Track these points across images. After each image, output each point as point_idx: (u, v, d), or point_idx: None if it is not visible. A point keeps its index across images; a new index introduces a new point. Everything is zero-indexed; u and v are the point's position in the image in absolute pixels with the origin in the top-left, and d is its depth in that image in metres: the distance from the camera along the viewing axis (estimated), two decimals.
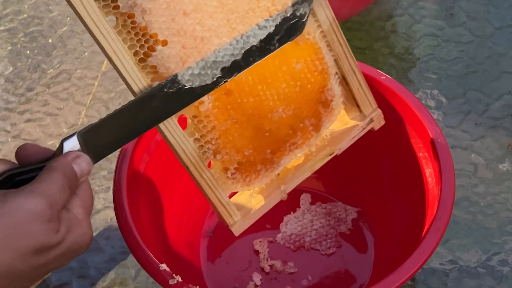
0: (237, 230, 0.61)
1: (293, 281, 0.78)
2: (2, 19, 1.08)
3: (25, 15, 1.08)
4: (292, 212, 0.82)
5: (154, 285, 0.80)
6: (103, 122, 0.53)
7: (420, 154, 0.72)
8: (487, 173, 0.87)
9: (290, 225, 0.81)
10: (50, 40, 1.05)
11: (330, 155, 0.65)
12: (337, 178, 0.82)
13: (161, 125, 0.56)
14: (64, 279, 0.81)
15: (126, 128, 0.54)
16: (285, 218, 0.82)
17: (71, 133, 0.53)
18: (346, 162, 0.78)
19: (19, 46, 1.04)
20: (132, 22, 0.54)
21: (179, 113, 0.57)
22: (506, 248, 0.80)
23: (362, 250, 0.80)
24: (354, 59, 0.64)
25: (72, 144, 0.52)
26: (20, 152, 0.52)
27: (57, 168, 0.50)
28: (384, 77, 0.75)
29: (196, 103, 0.57)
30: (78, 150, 0.52)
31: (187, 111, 0.57)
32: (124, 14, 0.53)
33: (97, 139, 0.53)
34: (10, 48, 1.04)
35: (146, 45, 0.54)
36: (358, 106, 0.66)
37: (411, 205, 0.74)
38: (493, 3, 1.04)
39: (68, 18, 1.07)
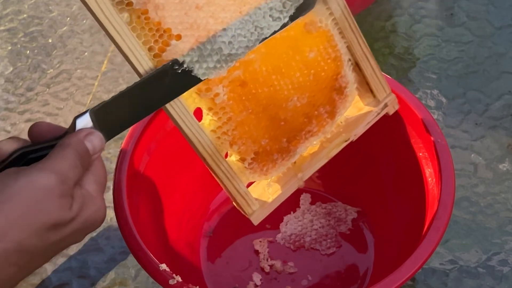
0: (256, 219, 0.62)
1: (293, 281, 0.78)
2: (2, 19, 1.08)
3: (25, 15, 1.08)
4: (292, 212, 0.82)
5: (154, 285, 0.80)
6: (115, 99, 0.53)
7: (420, 154, 0.72)
8: (487, 173, 0.87)
9: (290, 225, 0.81)
10: (50, 40, 1.05)
11: (346, 141, 0.65)
12: (337, 178, 0.82)
13: (177, 118, 0.56)
14: (64, 279, 0.81)
15: (138, 105, 0.54)
16: (285, 218, 0.82)
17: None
18: (346, 162, 0.78)
19: (19, 46, 1.04)
20: (146, 18, 0.54)
21: (195, 106, 0.57)
22: (506, 248, 0.80)
23: (362, 250, 0.80)
24: (367, 44, 0.64)
25: (85, 122, 0.52)
26: (33, 130, 0.52)
27: (69, 144, 0.50)
28: None
29: (211, 95, 0.57)
30: (91, 128, 0.52)
31: (203, 103, 0.58)
32: (138, 11, 0.54)
33: (110, 116, 0.53)
34: (10, 48, 1.04)
35: (161, 40, 0.55)
36: (372, 91, 0.66)
37: (411, 205, 0.74)
38: (493, 3, 1.05)
39: (68, 18, 1.07)
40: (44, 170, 0.48)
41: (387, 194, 0.79)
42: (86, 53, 1.03)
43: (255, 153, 0.61)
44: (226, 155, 0.60)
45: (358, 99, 0.66)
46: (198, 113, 0.58)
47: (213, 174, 0.59)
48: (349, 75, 0.64)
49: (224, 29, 0.56)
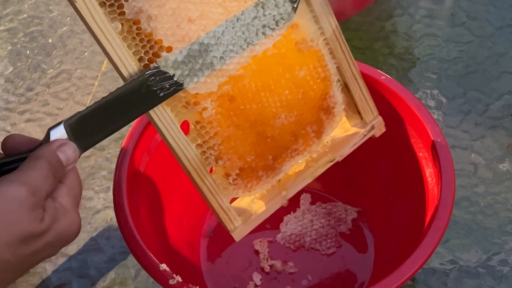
0: (238, 236, 0.62)
1: (293, 281, 0.78)
2: (2, 19, 1.08)
3: (25, 15, 1.08)
4: (292, 212, 0.82)
5: (154, 285, 0.80)
6: (90, 110, 0.52)
7: (420, 154, 0.72)
8: (487, 173, 0.87)
9: (290, 225, 0.81)
10: (50, 40, 1.05)
11: (331, 161, 0.65)
12: (337, 178, 0.82)
13: (163, 130, 0.56)
14: (64, 279, 0.81)
15: (114, 116, 0.53)
16: (285, 218, 0.82)
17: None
18: (346, 162, 0.78)
19: (19, 46, 1.04)
20: (138, 28, 0.54)
21: (182, 119, 0.57)
22: (506, 248, 0.80)
23: (362, 250, 0.80)
24: (356, 66, 0.64)
25: (59, 133, 0.51)
26: (6, 143, 0.51)
27: (41, 156, 0.49)
28: (384, 77, 0.75)
29: (199, 109, 0.57)
30: (66, 139, 0.51)
31: (190, 117, 0.58)
32: (130, 20, 0.54)
33: (85, 127, 0.51)
34: (10, 48, 1.04)
35: (151, 51, 0.55)
36: (359, 113, 0.66)
37: (411, 205, 0.74)
38: (493, 3, 1.05)
39: (68, 18, 1.07)
40: (14, 181, 0.47)
41: (387, 194, 0.79)
42: (86, 53, 1.03)
43: (240, 169, 0.61)
44: (211, 170, 0.60)
45: (345, 120, 0.66)
46: (184, 127, 0.57)
47: (197, 188, 0.59)
48: (338, 96, 0.64)
49: (216, 44, 0.56)
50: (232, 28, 0.57)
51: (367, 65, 0.76)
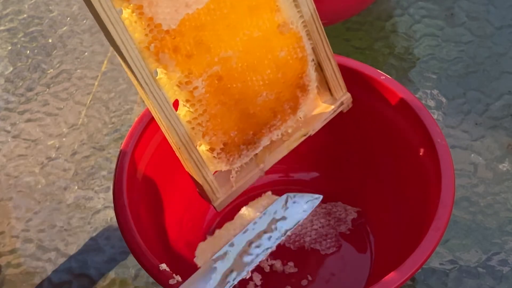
0: (220, 206, 0.66)
1: (293, 281, 0.77)
2: (2, 19, 1.08)
3: (25, 15, 1.08)
4: None
5: (154, 285, 0.80)
6: None
7: (420, 154, 0.72)
8: (487, 173, 0.87)
9: None
10: (50, 40, 1.05)
11: (305, 135, 0.70)
12: (337, 178, 0.82)
13: (158, 108, 0.60)
14: (64, 279, 0.81)
15: None
16: None
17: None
18: (347, 162, 0.78)
19: (19, 46, 1.04)
20: (140, 14, 0.58)
21: (174, 98, 0.62)
22: (506, 248, 0.80)
23: (362, 250, 0.80)
24: (330, 47, 0.69)
25: None
26: None
27: None
28: (384, 77, 0.75)
29: (191, 88, 0.62)
30: None
31: (182, 95, 0.62)
32: (133, 6, 0.58)
33: None
34: (10, 48, 1.04)
35: (151, 35, 0.59)
36: (330, 90, 0.71)
37: (411, 205, 0.74)
38: (493, 3, 1.05)
39: (68, 18, 1.07)
40: None
41: (387, 194, 0.79)
42: (86, 53, 1.03)
43: (224, 144, 0.65)
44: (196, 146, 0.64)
45: (316, 97, 0.71)
46: (175, 105, 0.62)
47: (183, 163, 0.64)
48: (312, 74, 0.69)
49: None
50: None
51: (367, 65, 0.76)
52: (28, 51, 1.04)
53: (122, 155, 0.71)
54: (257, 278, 0.77)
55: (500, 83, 0.95)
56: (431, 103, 0.93)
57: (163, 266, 0.63)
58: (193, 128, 0.63)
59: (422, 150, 0.72)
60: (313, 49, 0.69)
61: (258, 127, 0.67)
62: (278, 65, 0.66)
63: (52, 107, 0.97)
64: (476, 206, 0.84)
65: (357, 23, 1.03)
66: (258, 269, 0.79)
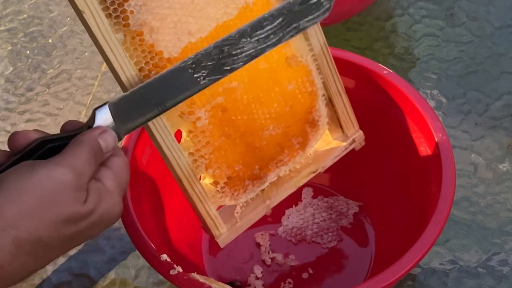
0: (222, 242, 0.64)
1: (294, 274, 0.78)
2: (2, 19, 1.08)
3: (25, 15, 1.08)
4: (293, 206, 0.82)
5: (155, 285, 0.80)
6: (133, 92, 0.54)
7: (422, 148, 0.73)
8: (487, 173, 0.87)
9: (292, 218, 0.82)
10: (50, 40, 1.05)
11: (314, 172, 0.68)
12: (339, 173, 0.82)
13: (159, 138, 0.58)
14: (64, 279, 0.81)
15: (155, 100, 0.55)
16: (287, 212, 0.82)
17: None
18: (348, 157, 0.78)
19: (19, 46, 1.04)
20: (140, 40, 0.56)
21: (176, 128, 0.59)
22: (506, 248, 0.80)
23: (363, 244, 0.80)
24: (341, 82, 0.67)
25: (104, 115, 0.53)
26: (64, 127, 0.54)
27: (84, 141, 0.51)
28: (386, 72, 0.75)
29: (193, 118, 0.60)
30: (106, 127, 0.53)
31: (184, 126, 0.60)
32: (133, 32, 0.56)
33: (128, 109, 0.54)
34: (10, 48, 1.04)
35: (152, 62, 0.57)
36: (341, 127, 0.69)
37: (412, 200, 0.74)
38: (493, 3, 1.05)
39: (68, 18, 1.07)
40: (60, 164, 0.49)
41: (388, 188, 0.79)
42: (86, 53, 1.03)
43: (228, 178, 0.63)
44: (199, 178, 0.62)
45: (327, 133, 0.69)
46: (177, 136, 0.60)
47: (185, 195, 0.61)
48: (322, 109, 0.67)
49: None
50: None
51: (369, 59, 0.76)
52: (28, 51, 1.04)
53: (123, 151, 0.71)
54: (258, 271, 0.78)
55: (500, 83, 0.95)
56: (431, 103, 0.93)
57: (164, 256, 0.63)
58: (195, 160, 0.61)
59: (423, 144, 0.73)
60: (324, 84, 0.66)
61: (264, 162, 0.65)
62: (286, 98, 0.64)
63: (52, 107, 0.97)
64: (476, 206, 0.84)
65: (357, 23, 1.03)
66: (260, 261, 0.79)
